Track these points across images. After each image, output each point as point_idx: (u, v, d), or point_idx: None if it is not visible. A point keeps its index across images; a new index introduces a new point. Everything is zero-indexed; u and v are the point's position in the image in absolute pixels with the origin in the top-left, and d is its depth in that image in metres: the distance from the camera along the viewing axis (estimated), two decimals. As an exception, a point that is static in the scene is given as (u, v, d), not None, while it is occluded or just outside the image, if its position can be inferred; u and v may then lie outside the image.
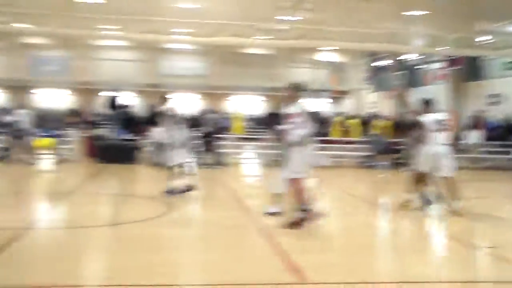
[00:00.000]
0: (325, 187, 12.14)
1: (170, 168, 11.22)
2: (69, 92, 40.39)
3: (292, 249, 7.11)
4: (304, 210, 8.23)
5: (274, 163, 10.55)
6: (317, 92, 42.67)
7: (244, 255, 6.97)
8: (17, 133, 17.62)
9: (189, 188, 11.23)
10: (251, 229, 8.66)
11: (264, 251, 7.17)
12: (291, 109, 8.42)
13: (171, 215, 9.60)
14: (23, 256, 6.52)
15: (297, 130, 8.29)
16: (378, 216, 10.64)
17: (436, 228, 9.70)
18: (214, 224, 9.15)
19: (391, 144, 20.06)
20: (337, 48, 36.14)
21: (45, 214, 9.86)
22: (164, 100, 11.48)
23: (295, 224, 8.18)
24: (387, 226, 9.87)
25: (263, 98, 41.50)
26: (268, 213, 9.22)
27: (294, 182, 8.36)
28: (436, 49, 27.14)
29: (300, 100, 8.61)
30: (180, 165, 11.37)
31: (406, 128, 19.23)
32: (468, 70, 30.83)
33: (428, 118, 9.96)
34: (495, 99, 28.31)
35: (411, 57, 36.66)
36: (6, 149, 17.70)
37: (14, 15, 24.39)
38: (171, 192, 11.00)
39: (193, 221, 9.85)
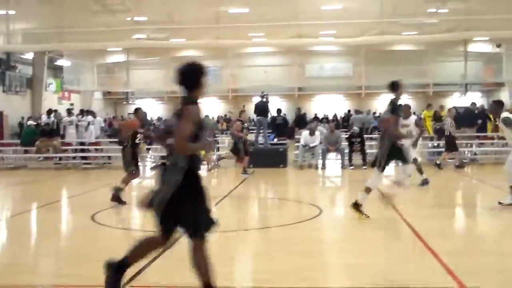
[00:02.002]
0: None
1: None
2: (220, 100, 42.21)
3: (444, 251, 6.81)
4: None
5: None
6: (469, 86, 40.69)
7: (395, 259, 6.83)
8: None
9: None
10: (402, 230, 8.44)
11: (418, 253, 6.97)
12: None
13: (321, 218, 9.64)
14: (181, 257, 6.91)
15: None
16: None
17: None
18: (364, 225, 9.02)
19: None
20: (491, 38, 34.04)
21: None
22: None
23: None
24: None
25: (411, 96, 40.30)
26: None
27: None
28: None
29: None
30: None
31: None
32: None
33: None
34: None
35: None
36: (164, 157, 18.84)
37: (171, 31, 26.10)
38: None
39: (342, 223, 9.80)
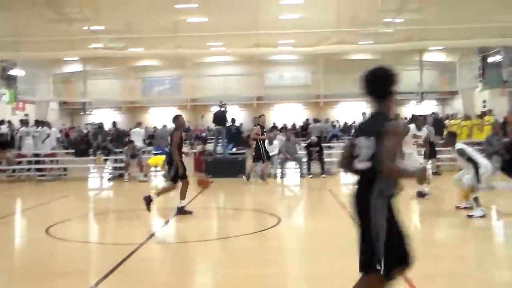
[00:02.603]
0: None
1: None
2: (179, 109, 41.94)
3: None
4: None
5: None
6: (425, 94, 41.49)
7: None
8: (132, 152, 18.50)
9: None
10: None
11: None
12: None
13: (280, 227, 9.63)
14: (139, 270, 6.81)
15: None
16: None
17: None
18: (321, 234, 9.13)
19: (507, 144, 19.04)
20: (445, 47, 34.84)
21: (159, 229, 10.23)
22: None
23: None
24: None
25: (368, 104, 40.80)
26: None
27: None
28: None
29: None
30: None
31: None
32: None
33: None
34: None
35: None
36: (122, 167, 18.62)
37: (129, 41, 25.84)
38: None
39: (301, 232, 9.84)
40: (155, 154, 19.08)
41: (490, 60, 39.09)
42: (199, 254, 7.97)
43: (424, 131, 13.29)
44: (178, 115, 11.46)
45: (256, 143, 16.88)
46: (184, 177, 10.83)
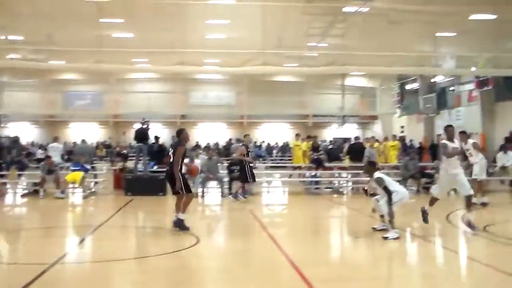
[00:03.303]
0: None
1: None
2: (101, 125, 41.14)
3: (318, 279, 6.96)
4: None
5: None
6: (346, 118, 42.56)
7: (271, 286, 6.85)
8: (49, 167, 17.84)
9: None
10: (277, 258, 8.52)
11: (291, 282, 7.02)
12: None
13: (198, 247, 9.51)
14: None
15: None
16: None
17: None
18: (240, 255, 9.14)
19: (422, 168, 19.82)
20: (366, 73, 35.96)
21: (73, 248, 9.88)
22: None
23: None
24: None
25: (291, 126, 41.50)
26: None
27: None
28: (467, 70, 26.81)
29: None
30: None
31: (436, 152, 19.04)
32: (501, 90, 30.37)
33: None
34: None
35: (442, 79, 36.32)
36: (37, 183, 17.90)
37: (49, 53, 25.02)
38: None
39: (220, 252, 9.76)
40: (73, 170, 18.48)
41: (408, 87, 40.72)
42: (114, 274, 7.74)
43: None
44: (183, 129, 11.64)
45: (241, 163, 16.80)
46: (182, 190, 10.75)
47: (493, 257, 8.78)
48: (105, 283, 7.26)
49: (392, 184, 10.59)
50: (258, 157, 35.43)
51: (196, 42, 24.28)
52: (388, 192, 10.21)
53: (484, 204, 14.69)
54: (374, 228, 10.85)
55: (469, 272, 8.18)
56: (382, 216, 10.73)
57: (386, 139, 24.46)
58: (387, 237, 9.93)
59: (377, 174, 10.71)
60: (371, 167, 11.16)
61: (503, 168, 19.96)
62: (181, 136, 11.22)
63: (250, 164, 17.03)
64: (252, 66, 23.45)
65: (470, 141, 14.90)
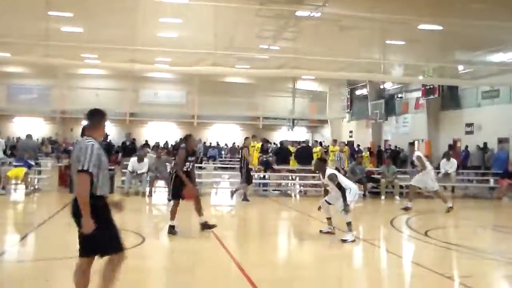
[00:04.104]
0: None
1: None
2: (47, 121, 40.20)
3: (263, 279, 6.98)
4: None
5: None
6: (296, 121, 42.92)
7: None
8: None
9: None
10: (223, 261, 8.50)
11: (237, 283, 7.02)
12: None
13: (144, 247, 9.40)
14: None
15: None
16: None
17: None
18: (185, 254, 9.13)
19: (369, 173, 20.15)
20: (316, 77, 36.33)
21: (14, 246, 9.61)
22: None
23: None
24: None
25: (241, 128, 41.57)
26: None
27: None
28: (414, 78, 27.44)
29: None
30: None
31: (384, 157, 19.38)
32: (446, 99, 31.26)
33: None
34: (471, 127, 28.75)
35: (390, 86, 37.10)
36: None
37: (-6, 44, 24.27)
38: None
39: (165, 251, 9.69)
40: (16, 166, 17.96)
41: (357, 93, 41.41)
42: (55, 273, 7.58)
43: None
44: (190, 135, 11.43)
45: (246, 165, 17.15)
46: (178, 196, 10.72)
47: (433, 260, 9.01)
48: (44, 282, 7.08)
49: (344, 180, 10.66)
50: (210, 158, 35.39)
51: (147, 39, 24.00)
52: (342, 189, 10.26)
53: (406, 209, 14.96)
54: (321, 231, 10.96)
55: (410, 275, 8.36)
56: (329, 218, 10.86)
57: (334, 142, 24.83)
58: (346, 240, 10.05)
59: (329, 171, 10.75)
60: (322, 163, 11.20)
61: (446, 174, 20.52)
62: (187, 142, 11.11)
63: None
64: (203, 66, 23.32)
65: (416, 153, 15.34)
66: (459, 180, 21.72)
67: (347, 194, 10.19)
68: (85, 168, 5.09)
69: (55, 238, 10.13)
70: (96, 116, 5.49)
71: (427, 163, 15.32)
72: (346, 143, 24.64)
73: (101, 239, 5.22)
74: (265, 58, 26.95)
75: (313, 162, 16.48)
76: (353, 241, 10.04)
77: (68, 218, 12.34)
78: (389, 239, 11.39)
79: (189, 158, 10.77)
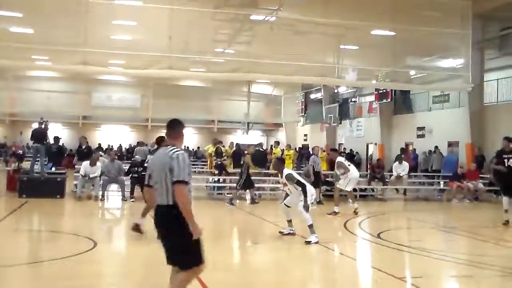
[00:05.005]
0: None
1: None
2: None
3: (218, 283, 6.94)
4: None
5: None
6: (251, 125, 42.99)
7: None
8: None
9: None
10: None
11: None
12: None
13: (93, 252, 9.22)
14: None
15: None
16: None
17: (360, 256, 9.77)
18: (137, 259, 9.01)
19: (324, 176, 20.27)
20: (271, 81, 36.49)
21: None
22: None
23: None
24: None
25: (196, 131, 41.37)
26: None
27: None
28: (367, 82, 27.84)
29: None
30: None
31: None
32: (399, 103, 31.86)
33: None
34: (422, 131, 29.38)
35: (344, 90, 37.56)
36: None
37: None
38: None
39: (116, 257, 9.54)
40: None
41: (312, 96, 41.79)
42: (4, 280, 7.34)
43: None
44: (163, 136, 11.05)
45: (247, 170, 17.63)
46: None
47: (385, 262, 9.13)
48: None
49: (301, 180, 10.70)
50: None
51: (100, 42, 23.60)
52: (302, 186, 10.32)
53: (335, 213, 15.08)
54: (281, 232, 11.00)
55: (364, 276, 8.45)
56: (289, 221, 10.91)
57: (289, 147, 24.98)
58: (310, 241, 10.10)
59: (286, 171, 10.81)
60: (280, 163, 11.28)
61: (398, 177, 20.88)
62: (162, 144, 10.93)
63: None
64: (157, 69, 23.11)
65: (338, 159, 15.50)
66: (410, 183, 22.10)
67: (307, 189, 10.26)
68: (181, 178, 5.20)
69: (2, 244, 9.83)
70: (179, 126, 5.75)
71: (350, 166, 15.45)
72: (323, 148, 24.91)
73: (198, 249, 5.38)
74: (220, 62, 26.91)
75: (272, 162, 16.72)
76: (317, 242, 10.10)
77: (16, 224, 12.04)
78: (343, 242, 11.49)
79: None
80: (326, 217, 14.73)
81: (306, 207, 10.21)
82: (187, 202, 5.18)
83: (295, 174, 10.89)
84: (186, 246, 5.22)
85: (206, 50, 25.42)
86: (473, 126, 24.75)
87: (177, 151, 5.38)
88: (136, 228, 10.52)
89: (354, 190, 15.37)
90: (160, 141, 11.01)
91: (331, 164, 20.17)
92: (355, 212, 14.90)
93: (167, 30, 20.64)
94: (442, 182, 22.21)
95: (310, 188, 10.57)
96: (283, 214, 11.17)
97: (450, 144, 26.70)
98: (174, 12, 19.71)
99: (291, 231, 10.97)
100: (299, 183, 10.43)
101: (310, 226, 10.30)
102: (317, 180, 17.91)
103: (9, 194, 17.82)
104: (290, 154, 23.47)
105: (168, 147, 5.47)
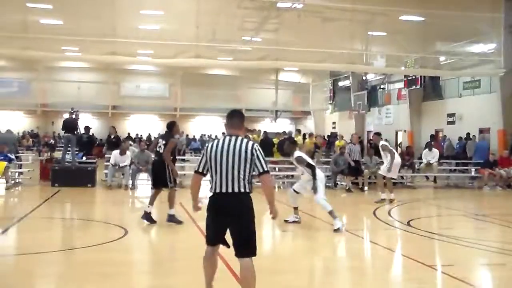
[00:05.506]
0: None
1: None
2: (27, 114, 39.79)
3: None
4: None
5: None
6: (279, 113, 42.91)
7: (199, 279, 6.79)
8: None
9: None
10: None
11: (221, 275, 6.99)
12: None
13: (124, 240, 9.35)
14: None
15: None
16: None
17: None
18: (168, 247, 9.16)
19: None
20: (299, 68, 36.34)
21: (-5, 240, 9.52)
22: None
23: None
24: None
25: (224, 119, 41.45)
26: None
27: None
28: (396, 69, 27.54)
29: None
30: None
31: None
32: (428, 90, 31.41)
33: None
34: (453, 118, 28.96)
35: (373, 77, 37.21)
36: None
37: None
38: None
39: (147, 244, 9.66)
40: (-3, 160, 17.75)
41: (340, 84, 41.49)
42: (38, 267, 7.49)
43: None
44: (174, 121, 11.61)
45: None
46: (170, 183, 10.70)
47: (415, 250, 9.06)
48: (28, 276, 7.01)
49: (310, 162, 10.66)
50: (194, 150, 35.28)
51: (129, 32, 23.80)
52: (312, 167, 10.33)
53: (391, 201, 14.77)
54: (286, 221, 11.00)
55: (394, 264, 8.41)
56: (296, 208, 11.01)
57: (311, 135, 24.80)
58: (338, 229, 10.12)
59: (297, 153, 10.79)
60: (292, 145, 11.24)
61: (428, 164, 20.67)
62: (173, 129, 11.21)
63: None
64: (185, 58, 23.19)
65: (381, 142, 15.12)
66: (440, 170, 21.85)
67: (316, 172, 10.27)
68: (267, 169, 5.40)
69: (37, 232, 10.03)
70: (241, 116, 5.67)
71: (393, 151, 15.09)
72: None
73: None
74: (247, 50, 26.89)
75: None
76: (342, 226, 10.14)
77: (50, 212, 12.28)
78: (373, 230, 11.44)
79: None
80: (356, 205, 14.64)
81: (314, 189, 10.21)
82: (274, 189, 5.44)
83: (305, 156, 10.83)
84: (254, 233, 5.35)
85: (233, 39, 25.45)
86: (506, 112, 24.28)
87: (253, 143, 5.44)
88: (173, 219, 10.63)
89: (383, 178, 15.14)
90: (171, 126, 11.15)
91: (362, 151, 20.06)
92: (391, 201, 14.57)
93: (194, 19, 20.73)
94: (473, 169, 21.90)
95: (319, 172, 10.57)
96: (289, 199, 11.19)
97: (481, 131, 26.27)
98: (201, 1, 19.75)
99: (296, 219, 10.98)
100: (309, 165, 10.43)
101: (331, 212, 10.28)
102: (355, 168, 17.91)
103: (42, 183, 18.16)
104: (311, 142, 23.25)
105: (234, 137, 5.40)
